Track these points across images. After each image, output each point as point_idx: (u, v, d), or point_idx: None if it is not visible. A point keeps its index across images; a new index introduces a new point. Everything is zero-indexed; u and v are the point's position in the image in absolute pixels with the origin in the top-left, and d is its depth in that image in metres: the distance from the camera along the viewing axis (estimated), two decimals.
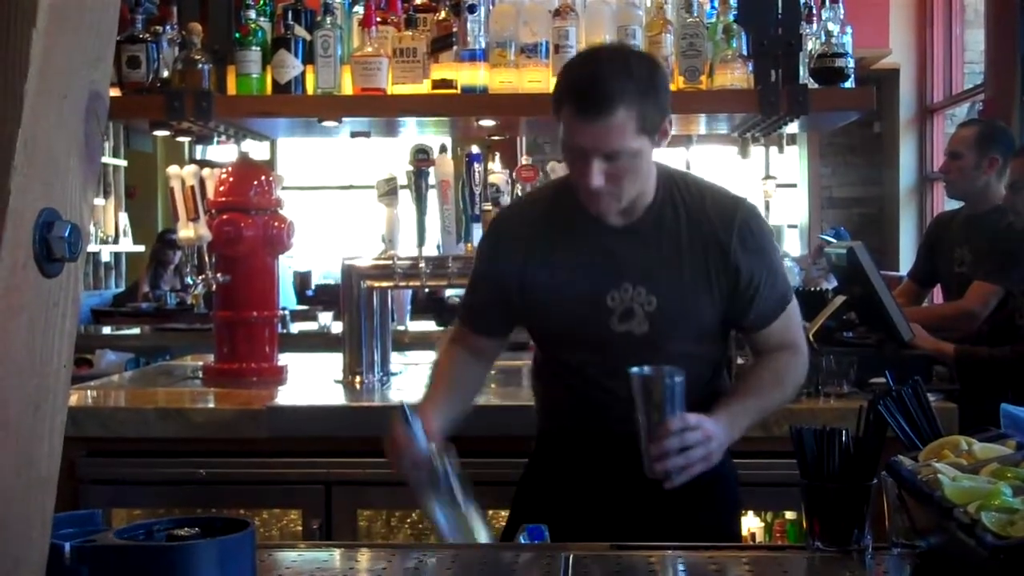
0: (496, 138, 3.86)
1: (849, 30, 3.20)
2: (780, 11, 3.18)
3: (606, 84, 1.97)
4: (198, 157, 8.58)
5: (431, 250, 3.35)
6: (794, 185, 10.03)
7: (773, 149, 4.02)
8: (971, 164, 4.11)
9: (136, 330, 6.49)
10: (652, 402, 1.93)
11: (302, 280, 8.74)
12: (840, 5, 3.23)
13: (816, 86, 3.15)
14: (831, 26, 3.17)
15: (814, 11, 3.31)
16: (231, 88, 3.28)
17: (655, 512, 2.07)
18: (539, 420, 2.31)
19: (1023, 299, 3.61)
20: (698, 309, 2.12)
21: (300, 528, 2.81)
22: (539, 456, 2.30)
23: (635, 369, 1.93)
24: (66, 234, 0.94)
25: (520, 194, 3.35)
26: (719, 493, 2.20)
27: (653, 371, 1.94)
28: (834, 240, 8.08)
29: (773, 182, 9.49)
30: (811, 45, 3.21)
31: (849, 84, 3.17)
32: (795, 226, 10.02)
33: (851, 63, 3.16)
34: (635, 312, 2.10)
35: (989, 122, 4.81)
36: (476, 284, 2.31)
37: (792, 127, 3.50)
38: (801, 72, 3.16)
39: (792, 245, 9.75)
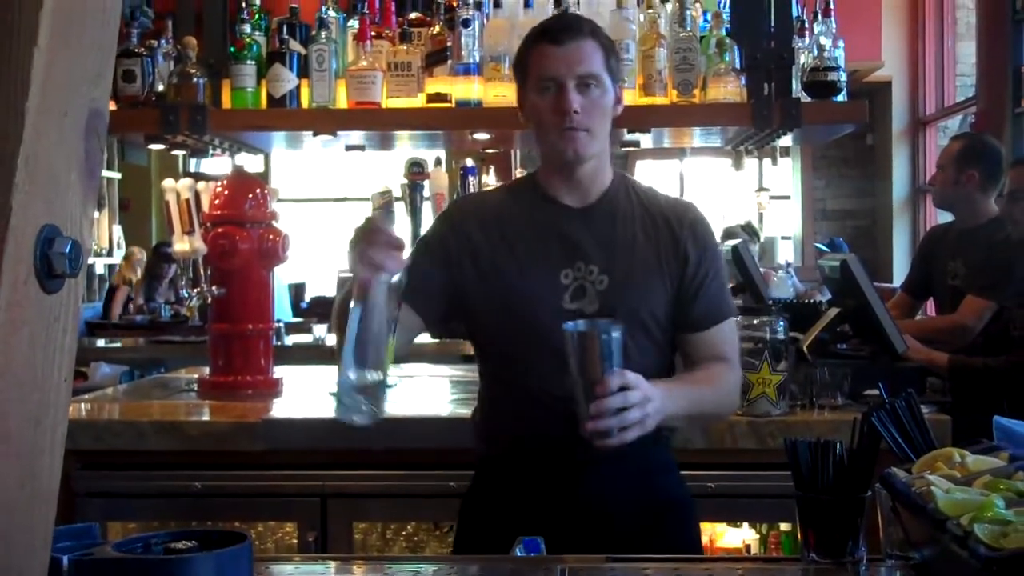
0: (490, 151, 3.88)
1: (841, 44, 3.22)
2: (773, 25, 3.20)
3: (575, 17, 2.18)
4: (192, 170, 8.60)
5: None
6: (787, 197, 10.08)
7: (767, 161, 4.04)
8: (951, 178, 4.18)
9: (131, 342, 6.49)
10: (588, 358, 1.84)
11: (297, 292, 8.74)
12: (832, 19, 3.25)
13: (809, 99, 3.17)
14: (823, 40, 3.20)
15: (806, 25, 3.33)
16: (226, 102, 3.29)
17: (608, 538, 2.01)
18: (482, 446, 2.25)
19: (1018, 311, 3.63)
20: (649, 291, 2.12)
21: (295, 541, 2.81)
22: (481, 482, 2.24)
23: (569, 324, 1.88)
24: (67, 250, 0.95)
25: None
26: (675, 516, 2.17)
27: (588, 324, 1.88)
28: (827, 249, 8.13)
29: (767, 194, 9.52)
30: (804, 59, 3.23)
31: (842, 97, 3.19)
32: (788, 238, 10.05)
33: (843, 77, 3.18)
34: (587, 290, 2.10)
35: (974, 137, 4.88)
36: (422, 253, 2.20)
37: (785, 140, 3.52)
38: (794, 85, 3.18)
39: (786, 257, 9.76)
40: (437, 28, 3.26)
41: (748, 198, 9.66)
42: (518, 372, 2.15)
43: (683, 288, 2.15)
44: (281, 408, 3.09)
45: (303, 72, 3.27)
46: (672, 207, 2.21)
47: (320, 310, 7.54)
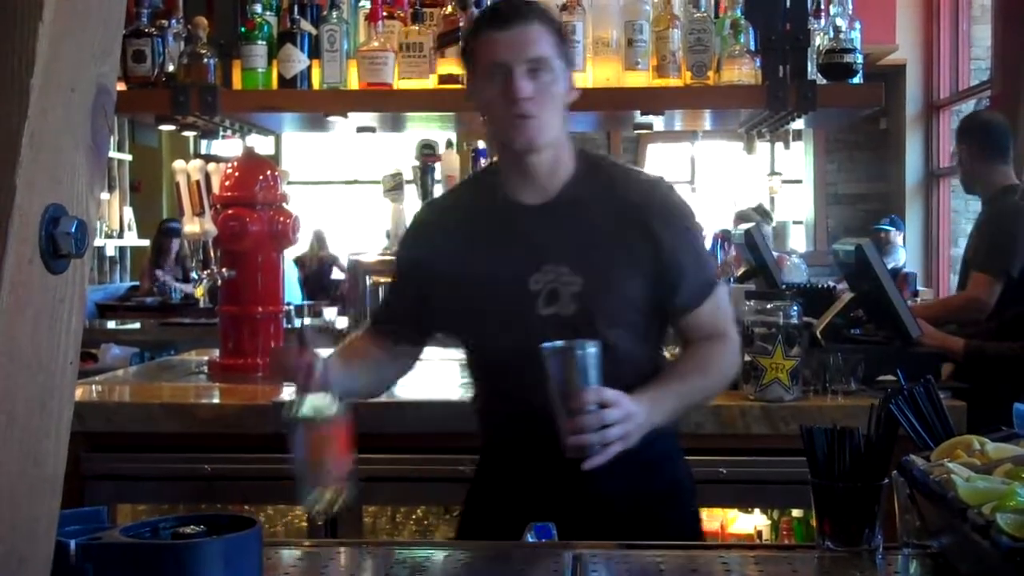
0: None
1: (858, 25, 3.18)
2: (788, 6, 3.16)
3: (520, 1, 2.06)
4: (203, 152, 8.60)
5: None
6: (799, 181, 10.03)
7: (779, 145, 4.01)
8: (957, 156, 4.32)
9: (140, 324, 6.50)
10: (565, 376, 1.84)
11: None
12: (848, 0, 3.21)
13: (824, 82, 3.14)
14: (839, 21, 3.16)
15: (822, 6, 3.30)
16: (236, 83, 3.27)
17: (609, 523, 2.01)
18: (482, 432, 2.23)
19: None
20: (624, 287, 2.05)
21: (304, 524, 2.80)
22: (485, 467, 2.23)
23: (546, 344, 1.85)
24: (72, 230, 0.93)
25: None
26: (676, 501, 2.15)
27: (565, 343, 1.86)
28: (891, 228, 8.15)
29: (779, 178, 9.49)
30: (819, 40, 3.19)
31: (857, 80, 3.16)
32: (800, 222, 10.01)
33: (859, 59, 3.15)
34: (560, 293, 2.03)
35: (971, 114, 5.02)
36: (394, 282, 2.30)
37: (798, 123, 3.49)
38: (809, 67, 3.14)
39: (798, 241, 9.73)
40: (449, 8, 3.23)
41: (760, 182, 9.61)
42: (502, 379, 2.11)
43: (663, 272, 2.06)
44: (291, 391, 3.07)
45: (314, 53, 3.24)
46: (638, 189, 2.11)
47: (330, 292, 7.55)
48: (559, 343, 1.86)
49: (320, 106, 3.29)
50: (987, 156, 4.17)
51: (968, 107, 8.38)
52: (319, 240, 9.16)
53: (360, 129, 3.61)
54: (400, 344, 2.23)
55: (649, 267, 2.06)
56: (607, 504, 2.04)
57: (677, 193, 2.17)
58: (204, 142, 4.03)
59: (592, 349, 1.85)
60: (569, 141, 2.12)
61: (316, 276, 8.59)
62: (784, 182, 9.58)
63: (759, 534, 3.04)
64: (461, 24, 3.17)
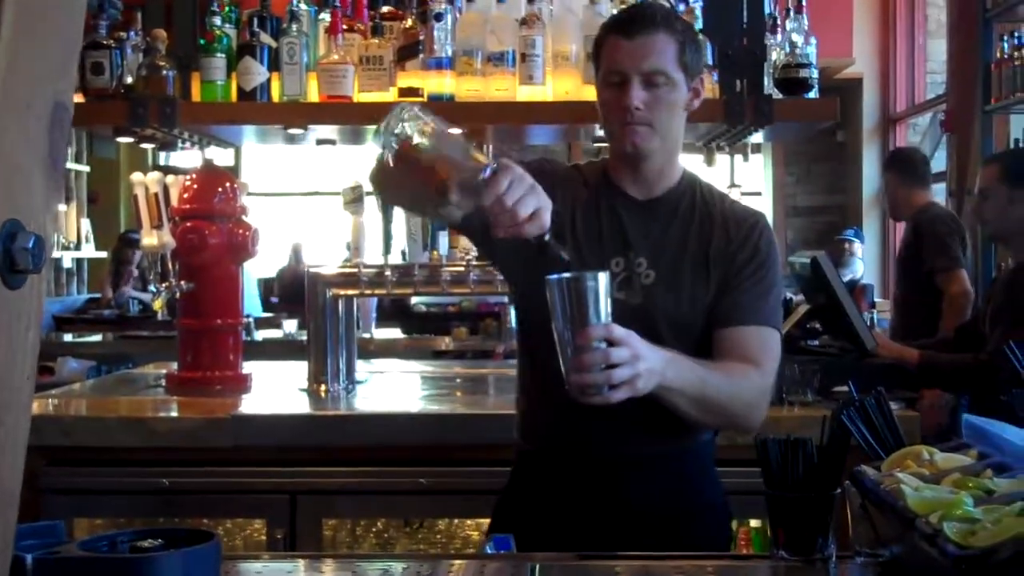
0: None
1: (813, 41, 3.22)
2: (745, 22, 3.20)
3: (650, 8, 2.11)
4: (162, 163, 8.55)
5: (397, 258, 3.35)
6: (759, 193, 10.10)
7: (738, 158, 4.06)
8: (885, 187, 5.41)
9: (98, 337, 6.44)
10: (574, 309, 1.72)
11: (267, 287, 8.70)
12: (804, 16, 3.25)
13: (781, 96, 3.18)
14: (795, 37, 3.20)
15: (779, 22, 3.33)
16: (196, 95, 3.26)
17: (642, 539, 1.99)
18: (520, 440, 2.22)
19: (985, 306, 3.66)
20: (693, 294, 2.08)
21: (264, 538, 2.79)
22: (519, 478, 2.21)
23: (552, 275, 1.74)
24: (30, 245, 0.93)
25: None
26: (709, 520, 2.15)
27: (573, 273, 1.74)
28: (855, 239, 8.26)
29: (738, 191, 9.53)
30: (776, 56, 3.23)
31: (813, 94, 3.20)
32: None
33: (815, 73, 3.19)
34: (633, 282, 2.07)
35: (895, 149, 5.96)
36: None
37: (756, 137, 3.52)
38: (766, 82, 3.18)
39: None
40: (409, 22, 3.24)
41: None
42: (550, 367, 1.97)
43: (724, 284, 2.08)
44: (250, 404, 3.07)
45: (274, 65, 3.24)
46: (735, 213, 2.16)
47: (290, 305, 7.51)
48: (566, 274, 1.75)
49: (280, 119, 3.29)
50: (908, 183, 5.04)
51: (924, 120, 8.49)
52: (296, 254, 9.08)
53: (320, 141, 3.61)
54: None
55: (717, 285, 2.08)
56: (638, 520, 2.05)
57: (771, 232, 2.19)
58: (163, 154, 4.02)
59: (604, 279, 1.75)
60: (679, 149, 2.17)
61: (292, 290, 8.52)
62: (744, 194, 9.60)
63: None
64: (421, 37, 3.18)
